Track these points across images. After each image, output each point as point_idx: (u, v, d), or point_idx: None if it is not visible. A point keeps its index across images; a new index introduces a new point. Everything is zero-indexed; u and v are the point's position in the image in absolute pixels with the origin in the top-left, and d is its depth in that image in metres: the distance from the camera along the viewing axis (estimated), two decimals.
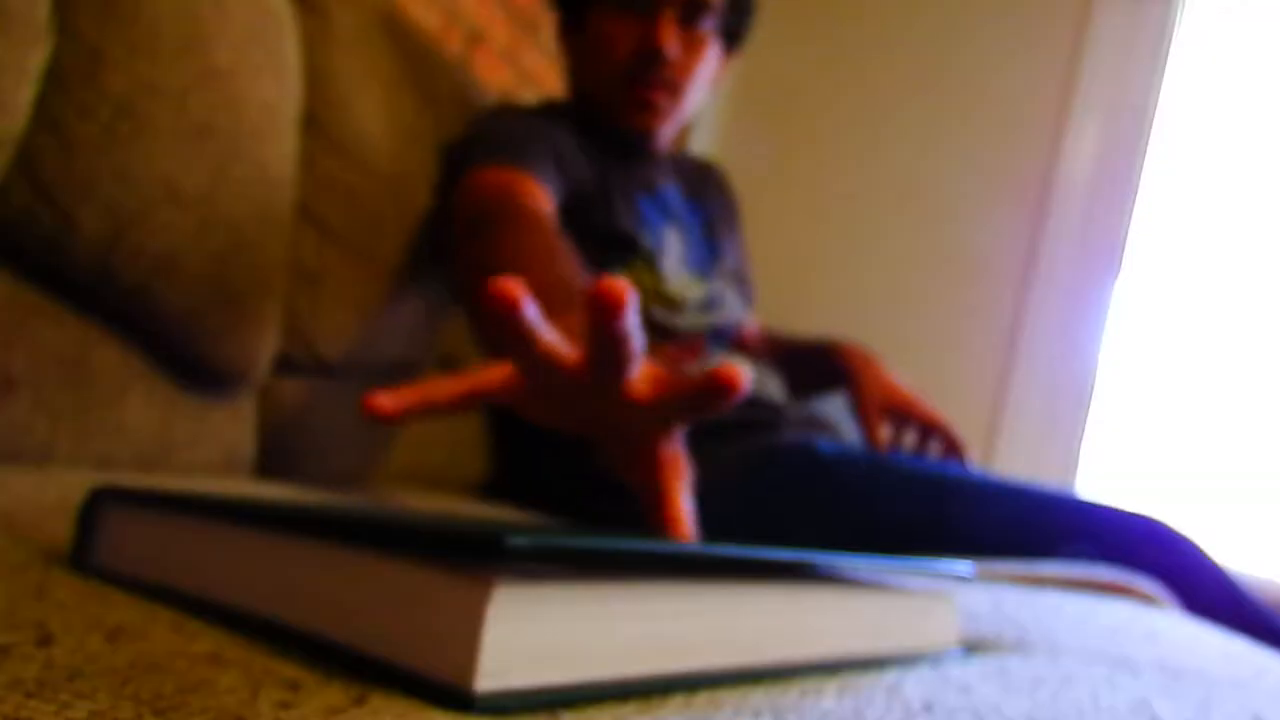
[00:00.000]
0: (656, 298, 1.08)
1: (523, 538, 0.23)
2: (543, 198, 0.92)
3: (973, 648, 0.43)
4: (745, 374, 0.41)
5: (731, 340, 1.15)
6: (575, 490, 1.00)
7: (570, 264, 0.74)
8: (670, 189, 1.18)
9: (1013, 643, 0.44)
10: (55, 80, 0.62)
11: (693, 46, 1.10)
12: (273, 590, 0.29)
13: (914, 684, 0.32)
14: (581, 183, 1.05)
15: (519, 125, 1.03)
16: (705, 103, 2.21)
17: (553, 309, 0.57)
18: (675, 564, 0.28)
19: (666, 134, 1.14)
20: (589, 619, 0.26)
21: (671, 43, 1.06)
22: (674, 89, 1.09)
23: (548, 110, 1.12)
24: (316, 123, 0.89)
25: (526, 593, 0.24)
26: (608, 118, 1.11)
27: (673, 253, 1.14)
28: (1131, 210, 2.05)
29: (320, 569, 0.28)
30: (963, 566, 0.42)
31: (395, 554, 0.26)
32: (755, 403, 1.09)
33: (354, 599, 0.27)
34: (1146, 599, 0.77)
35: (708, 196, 1.25)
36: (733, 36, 1.16)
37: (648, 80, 1.07)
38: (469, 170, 0.93)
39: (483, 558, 0.24)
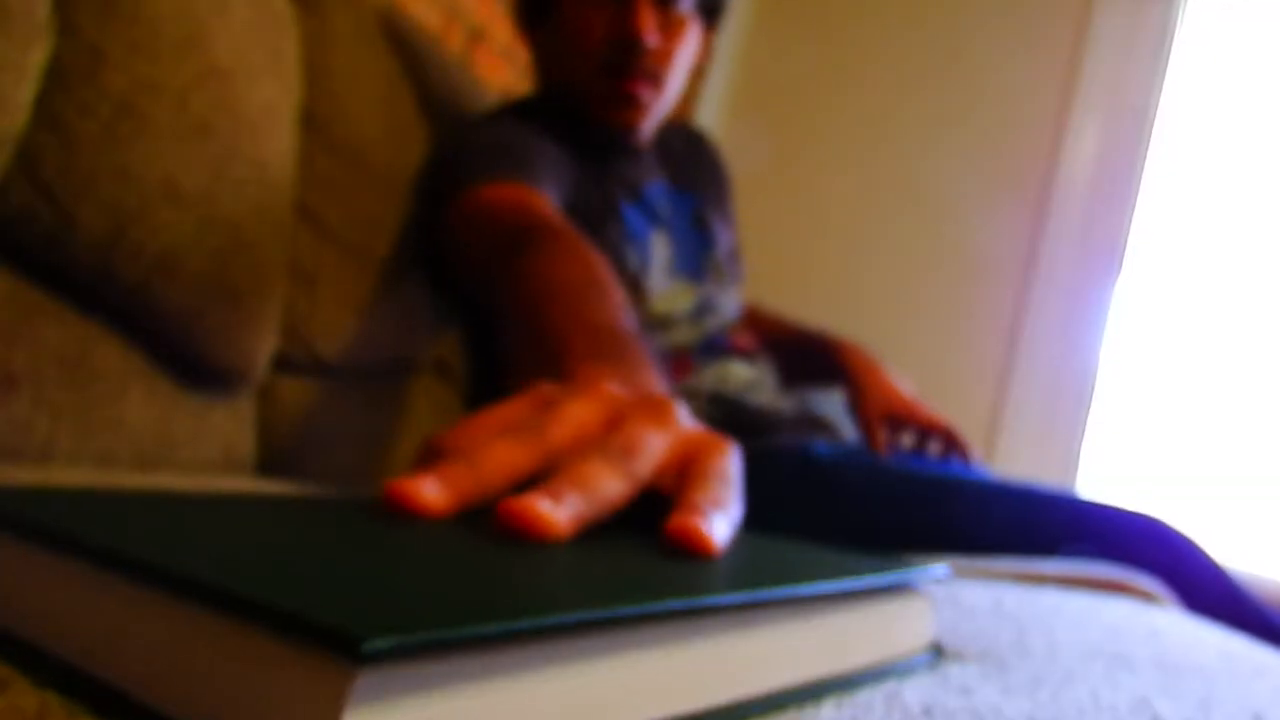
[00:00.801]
0: (643, 321, 1.05)
1: (386, 638, 0.18)
2: (556, 213, 0.88)
3: (942, 654, 0.39)
4: (716, 540, 0.32)
5: (724, 348, 1.12)
6: None
7: (616, 292, 0.69)
8: (656, 186, 1.14)
9: (989, 649, 0.44)
10: (56, 78, 0.62)
11: (672, 30, 1.02)
12: (79, 633, 0.23)
13: (913, 689, 0.32)
14: (569, 196, 1.01)
15: (512, 136, 0.98)
16: (704, 100, 2.21)
17: (603, 354, 0.55)
18: (595, 624, 0.23)
19: (649, 127, 1.08)
20: (492, 694, 0.21)
21: (650, 29, 0.98)
22: (656, 79, 1.02)
23: (524, 113, 1.07)
24: (316, 122, 0.89)
25: (403, 676, 0.19)
26: (585, 114, 1.03)
27: (660, 261, 1.10)
28: (1132, 210, 2.05)
29: (139, 619, 0.22)
30: (939, 569, 0.38)
31: (227, 616, 0.20)
32: (751, 406, 1.08)
33: (183, 665, 0.21)
34: (1146, 597, 0.77)
35: (697, 177, 1.21)
36: (712, 12, 1.08)
37: (627, 72, 0.99)
38: (474, 185, 0.88)
39: (334, 652, 0.18)
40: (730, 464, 0.38)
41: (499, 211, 0.84)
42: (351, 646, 0.18)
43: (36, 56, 0.61)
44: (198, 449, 0.79)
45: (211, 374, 0.79)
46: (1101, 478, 2.02)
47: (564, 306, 0.64)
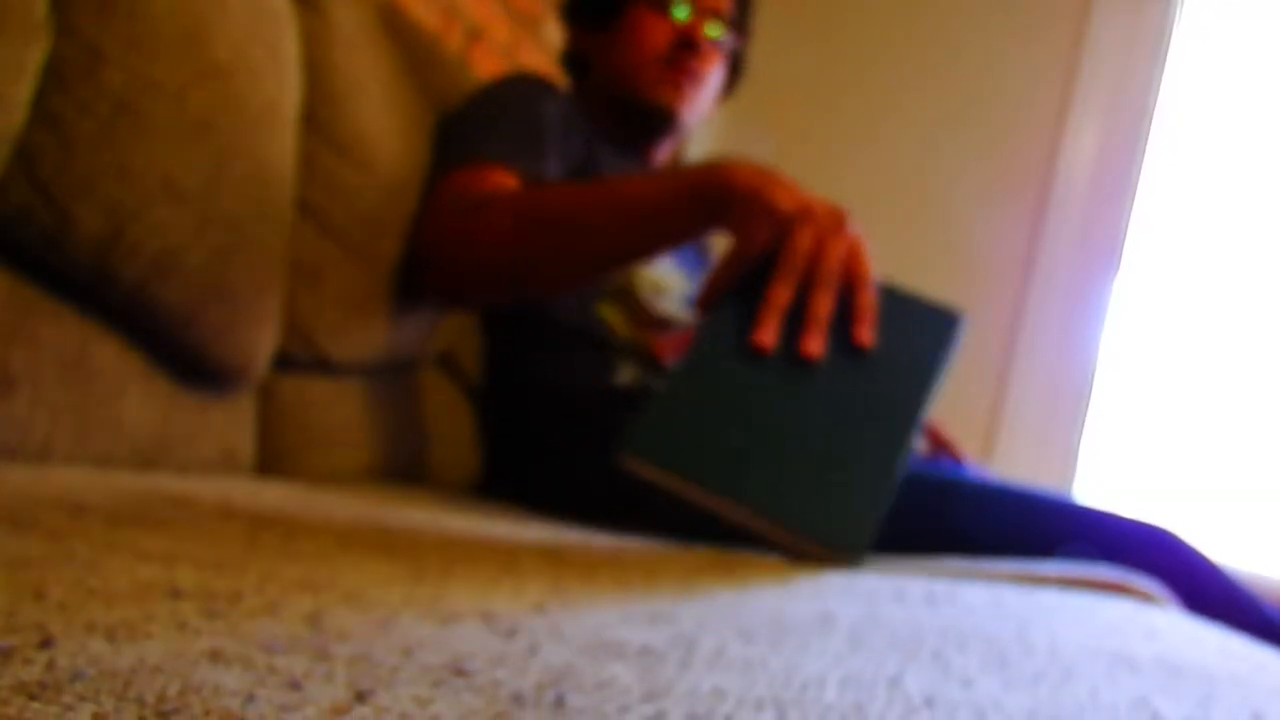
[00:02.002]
0: (642, 282, 1.12)
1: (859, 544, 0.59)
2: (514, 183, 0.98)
3: None
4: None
5: None
6: (560, 490, 1.01)
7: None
8: None
9: (989, 645, 0.44)
10: (54, 77, 0.62)
11: (713, 51, 1.21)
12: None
13: (915, 678, 0.32)
14: (574, 157, 1.10)
15: (514, 104, 1.06)
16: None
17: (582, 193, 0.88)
18: None
19: (684, 121, 1.21)
20: None
21: (704, 37, 1.18)
22: (697, 79, 1.19)
23: (554, 89, 1.15)
24: (316, 120, 0.89)
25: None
26: (633, 96, 1.18)
27: None
28: (1131, 208, 2.05)
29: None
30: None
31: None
32: None
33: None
34: (1145, 597, 0.77)
35: None
36: (734, 69, 1.28)
37: (682, 63, 1.17)
38: (448, 173, 0.98)
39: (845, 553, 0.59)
40: (868, 258, 0.74)
41: (451, 197, 0.96)
42: (854, 552, 0.60)
43: (34, 54, 0.61)
44: (196, 448, 0.79)
45: (210, 373, 0.79)
46: (1100, 476, 2.02)
47: (630, 184, 0.87)
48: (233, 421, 0.84)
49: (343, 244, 0.91)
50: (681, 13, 1.17)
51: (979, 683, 0.32)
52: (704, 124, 2.18)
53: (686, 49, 1.17)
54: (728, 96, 1.32)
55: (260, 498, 0.63)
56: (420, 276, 0.96)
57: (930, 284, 2.19)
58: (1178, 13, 2.07)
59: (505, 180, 0.97)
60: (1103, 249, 2.04)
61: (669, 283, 1.15)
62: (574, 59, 1.26)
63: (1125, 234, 2.04)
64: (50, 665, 0.23)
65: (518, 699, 0.24)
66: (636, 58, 1.17)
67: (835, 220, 0.72)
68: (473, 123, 1.05)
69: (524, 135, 1.03)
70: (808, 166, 2.24)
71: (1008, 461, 1.95)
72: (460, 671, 0.26)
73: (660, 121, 1.20)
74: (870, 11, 2.26)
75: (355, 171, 0.93)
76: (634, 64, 1.18)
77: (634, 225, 0.83)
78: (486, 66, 1.66)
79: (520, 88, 1.11)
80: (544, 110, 1.08)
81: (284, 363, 0.88)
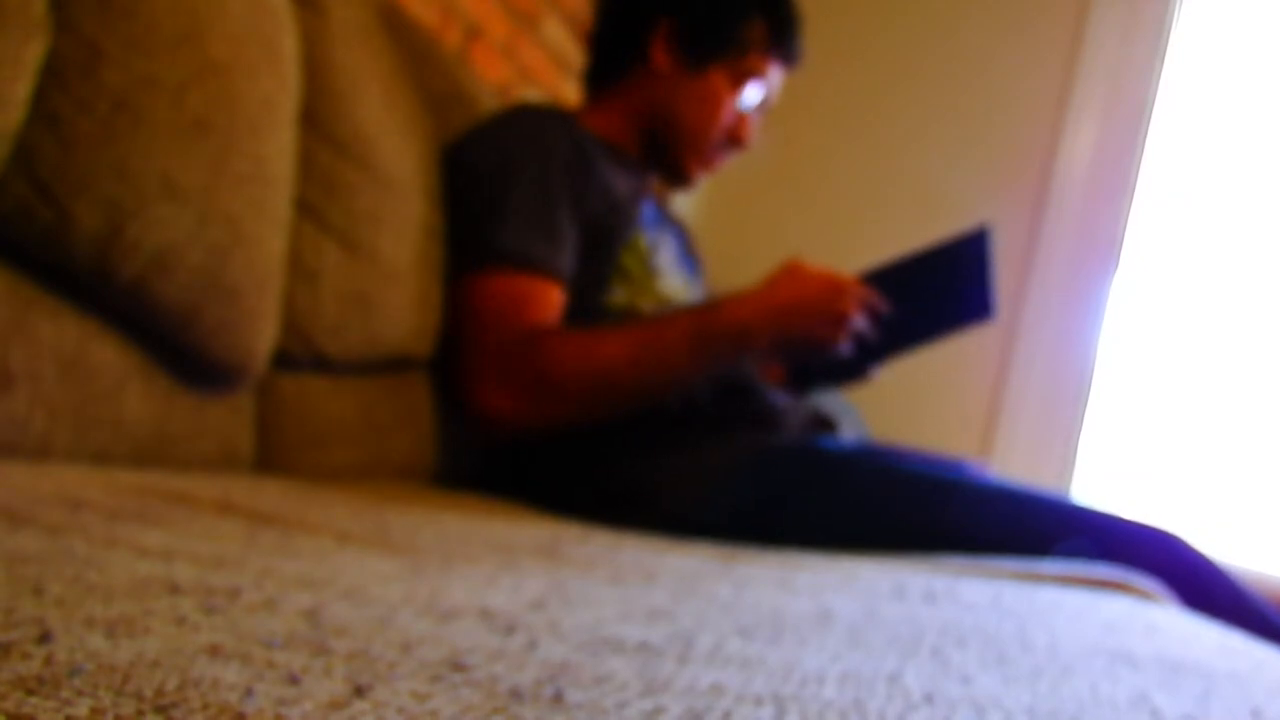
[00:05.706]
0: (647, 294, 1.12)
1: None
2: (556, 305, 1.04)
3: None
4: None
5: None
6: (560, 486, 1.01)
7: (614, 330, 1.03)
8: (654, 206, 1.26)
9: (989, 641, 0.43)
10: (53, 75, 0.62)
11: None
12: None
13: (914, 674, 0.32)
14: (577, 172, 1.10)
15: (531, 162, 1.07)
16: None
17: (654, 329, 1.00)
18: None
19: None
20: None
21: (751, 137, 1.24)
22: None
23: (555, 116, 1.15)
24: (315, 118, 0.89)
25: None
26: (678, 153, 1.21)
27: (668, 252, 1.20)
28: (1130, 205, 2.05)
29: None
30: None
31: None
32: (758, 401, 1.10)
33: None
34: (1144, 595, 0.77)
35: (682, 227, 1.34)
36: None
37: (724, 155, 1.24)
38: (485, 269, 1.02)
39: None
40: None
41: (501, 317, 1.02)
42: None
43: (33, 52, 0.61)
44: (195, 446, 0.79)
45: (209, 371, 0.79)
46: (1099, 474, 2.02)
47: (675, 343, 1.00)
48: (231, 419, 0.84)
49: (341, 242, 0.91)
50: (750, 104, 1.21)
51: (978, 679, 0.32)
52: None
53: (735, 145, 1.22)
54: None
55: (259, 495, 0.63)
56: (481, 419, 1.03)
57: None
58: (1176, 8, 2.07)
59: (548, 298, 1.03)
60: (1101, 245, 2.04)
61: (674, 294, 1.16)
62: (621, 62, 1.22)
63: (1124, 230, 2.04)
64: (49, 660, 0.23)
65: (516, 694, 0.24)
66: (699, 127, 1.20)
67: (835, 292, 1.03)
68: (495, 191, 1.05)
69: (548, 213, 1.05)
70: (804, 161, 2.25)
71: (1006, 458, 1.95)
72: (459, 667, 0.26)
73: (679, 184, 1.26)
74: (868, 7, 2.26)
75: (354, 169, 0.93)
76: (694, 129, 1.20)
77: (680, 378, 1.01)
78: (485, 65, 1.66)
79: (529, 131, 1.11)
80: (555, 151, 1.08)
81: (283, 361, 0.88)
